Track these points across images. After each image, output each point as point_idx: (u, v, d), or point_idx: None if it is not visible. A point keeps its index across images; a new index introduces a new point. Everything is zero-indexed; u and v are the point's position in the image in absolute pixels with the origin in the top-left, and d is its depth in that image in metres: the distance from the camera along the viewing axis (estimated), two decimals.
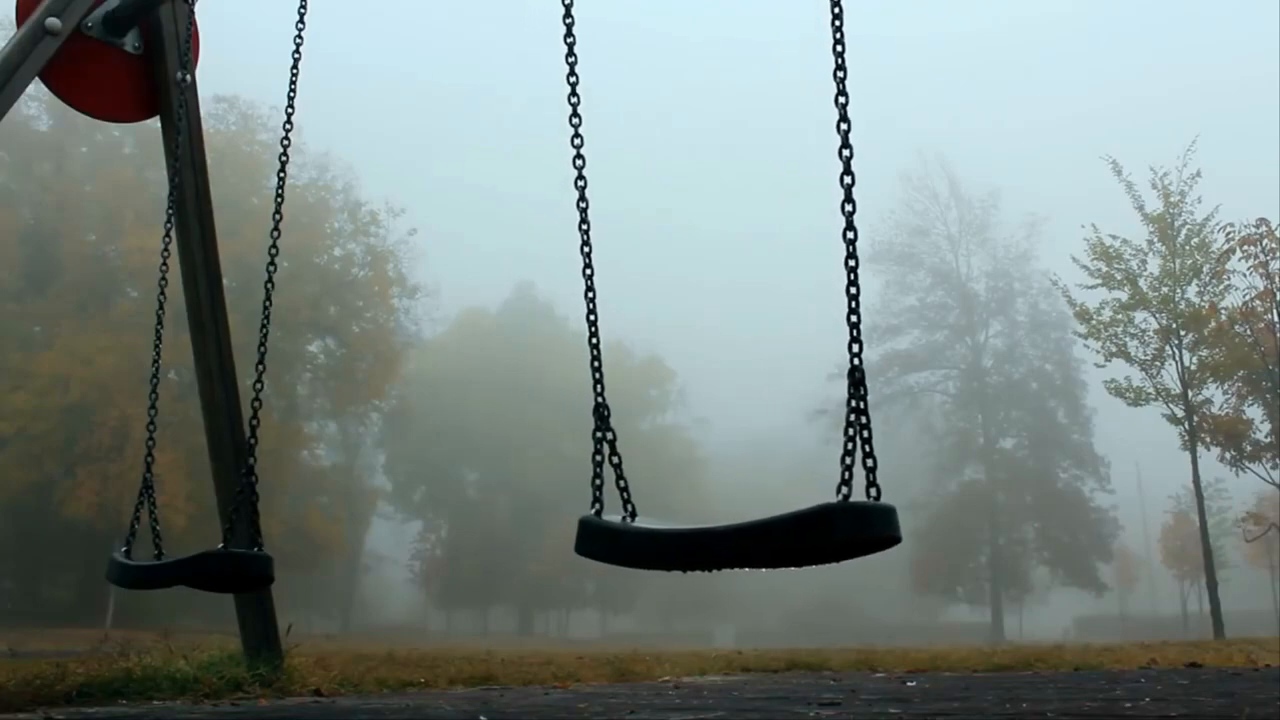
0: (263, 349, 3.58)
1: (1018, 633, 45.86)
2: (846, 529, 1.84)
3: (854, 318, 1.98)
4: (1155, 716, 2.88)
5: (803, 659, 7.63)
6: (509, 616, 58.62)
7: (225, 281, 4.71)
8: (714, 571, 2.11)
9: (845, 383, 1.98)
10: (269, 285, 3.63)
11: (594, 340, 2.47)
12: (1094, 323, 22.57)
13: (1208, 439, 21.65)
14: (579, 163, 2.54)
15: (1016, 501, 47.62)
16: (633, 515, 2.21)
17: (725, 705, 3.62)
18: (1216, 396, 22.03)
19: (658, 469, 53.36)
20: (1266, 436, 21.78)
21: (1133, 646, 11.25)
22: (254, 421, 3.50)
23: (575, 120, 2.56)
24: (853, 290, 1.99)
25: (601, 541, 2.20)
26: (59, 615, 28.40)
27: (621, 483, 2.28)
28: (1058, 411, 48.40)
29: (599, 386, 2.39)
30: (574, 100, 2.57)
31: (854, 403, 1.94)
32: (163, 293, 4.12)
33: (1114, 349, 22.17)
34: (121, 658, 4.58)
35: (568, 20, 2.60)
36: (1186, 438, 21.48)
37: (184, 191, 4.49)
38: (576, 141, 2.55)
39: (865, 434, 1.92)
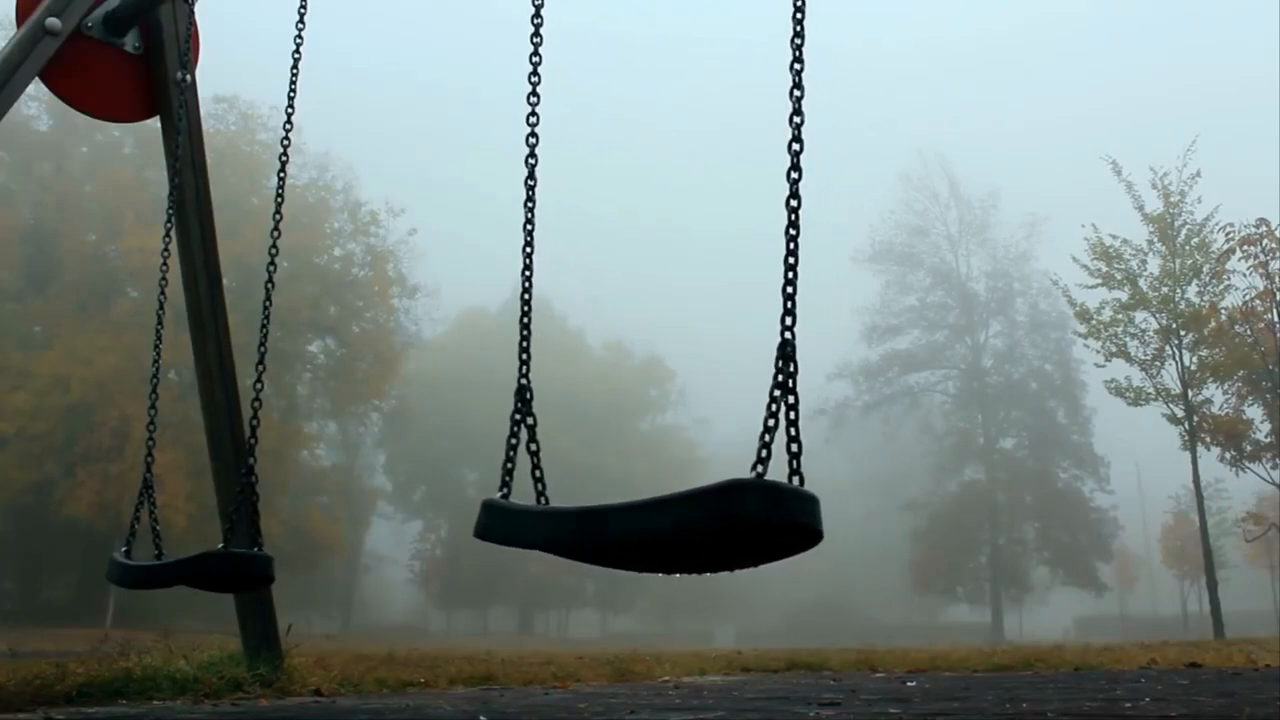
0: (263, 349, 3.58)
1: (1018, 633, 45.86)
2: (758, 507, 1.69)
3: (789, 289, 1.91)
4: (1155, 716, 2.88)
5: (803, 659, 7.63)
6: (509, 616, 58.62)
7: (225, 281, 4.71)
8: (644, 573, 2.04)
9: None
10: (269, 285, 3.64)
11: (525, 320, 2.43)
12: (1094, 323, 22.57)
13: (1208, 439, 21.65)
14: (532, 140, 2.54)
15: (1016, 501, 47.62)
16: (545, 504, 2.14)
17: (725, 705, 3.62)
18: (1216, 396, 22.06)
19: (657, 469, 53.41)
20: (1266, 436, 21.77)
21: (1133, 646, 11.25)
22: (254, 421, 3.50)
23: (533, 99, 2.56)
24: (790, 260, 1.93)
25: (500, 523, 2.09)
26: (59, 615, 28.40)
27: (537, 472, 2.22)
28: (1058, 411, 48.42)
29: (524, 368, 2.35)
30: (534, 79, 2.57)
31: (780, 378, 1.83)
32: (163, 293, 4.12)
33: (1114, 349, 22.17)
34: (121, 658, 4.58)
35: (536, 21, 2.61)
36: (1186, 438, 21.48)
37: (184, 192, 4.49)
38: (532, 120, 2.55)
39: (792, 415, 1.82)
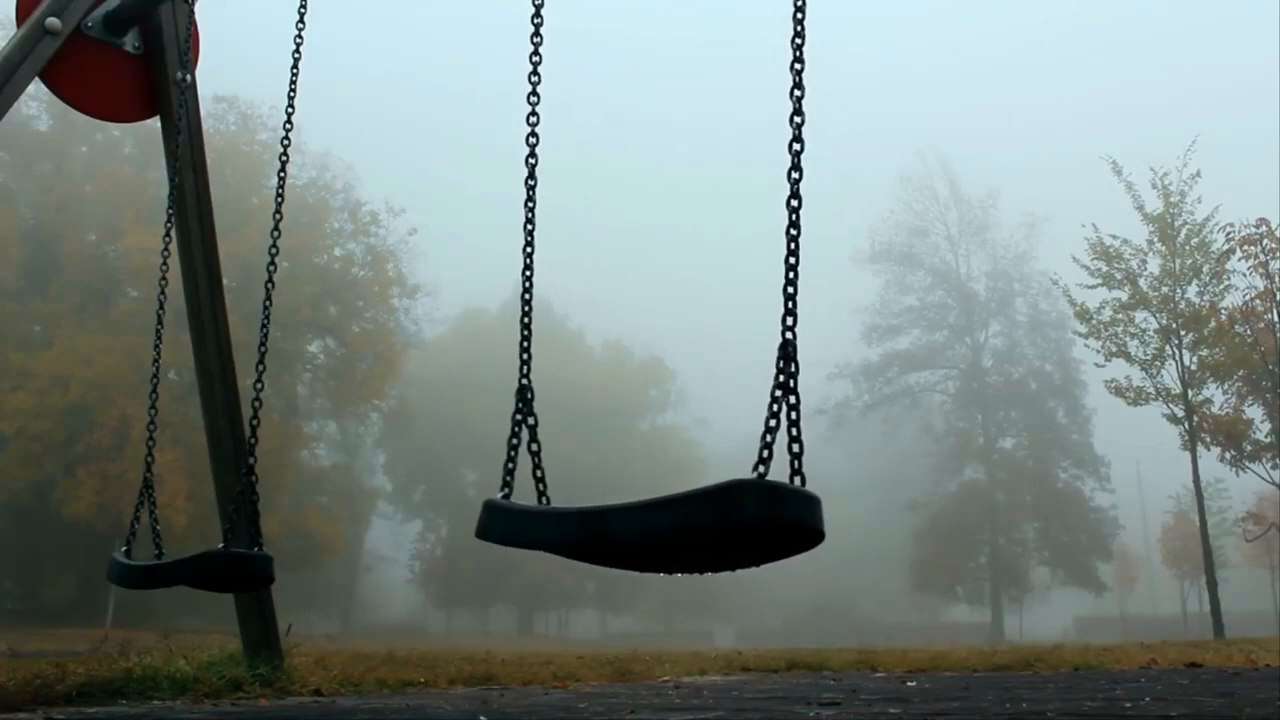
0: (263, 349, 3.58)
1: (1018, 633, 45.85)
2: (758, 508, 1.67)
3: (790, 289, 1.90)
4: (1155, 716, 2.88)
5: (803, 659, 7.63)
6: (509, 616, 58.61)
7: (225, 281, 4.70)
8: (645, 573, 2.04)
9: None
10: (269, 285, 3.64)
11: (526, 320, 2.44)
12: (1094, 322, 22.57)
13: (1208, 439, 21.64)
14: (532, 140, 2.53)
15: (1016, 501, 47.61)
16: (546, 504, 2.13)
17: (725, 705, 3.62)
18: (1216, 396, 22.05)
19: (656, 468, 53.40)
20: (1266, 436, 21.77)
21: (1133, 646, 11.25)
22: (254, 421, 3.50)
23: (533, 99, 2.56)
24: (791, 260, 1.92)
25: (501, 523, 2.08)
26: (59, 615, 28.39)
27: (538, 472, 2.22)
28: (1057, 411, 48.40)
29: (525, 368, 2.34)
30: (534, 79, 2.57)
31: (781, 378, 1.82)
32: (163, 293, 4.12)
33: (1114, 349, 22.17)
34: (121, 658, 4.59)
35: (536, 21, 2.61)
36: (1186, 438, 21.47)
37: (184, 191, 4.49)
38: (532, 120, 2.55)
39: (793, 415, 1.81)
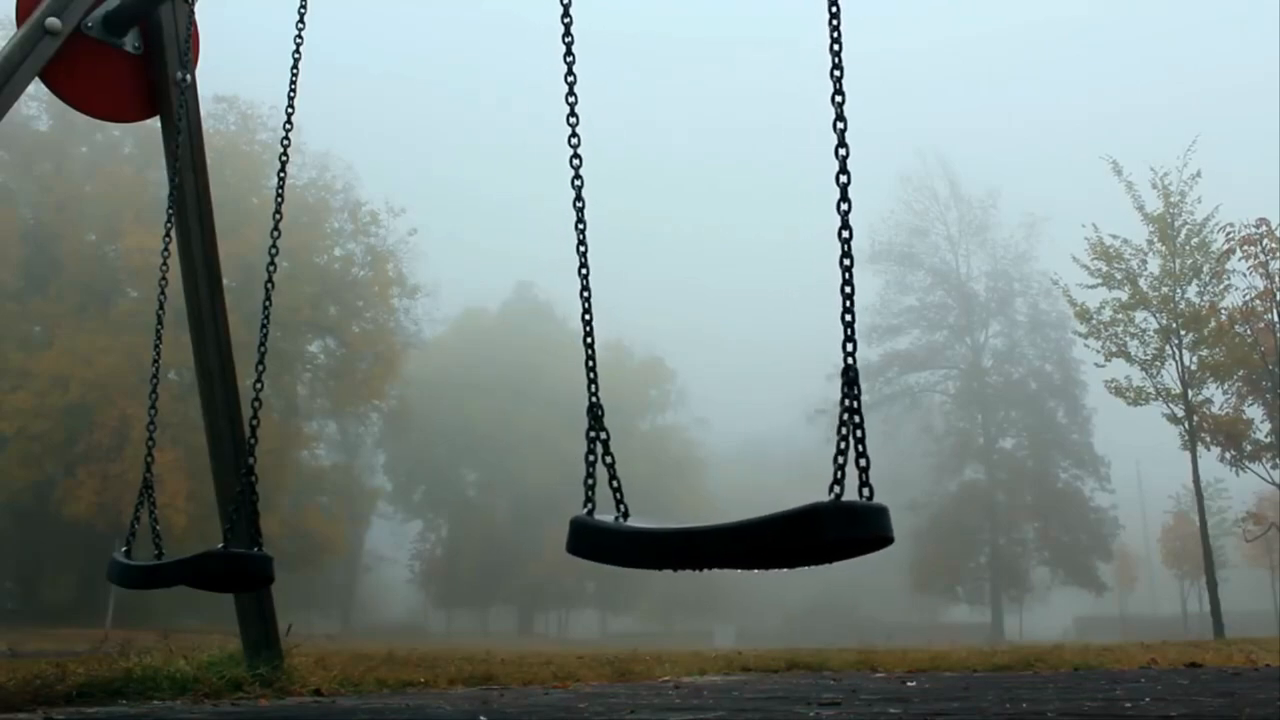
0: (263, 349, 3.58)
1: (1017, 633, 45.85)
2: (837, 529, 1.84)
3: (848, 316, 2.02)
4: (1155, 716, 2.88)
5: (803, 659, 7.63)
6: (509, 616, 58.61)
7: (225, 281, 4.70)
8: (708, 571, 2.11)
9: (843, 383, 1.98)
10: (269, 285, 3.63)
11: (589, 340, 2.48)
12: (1094, 322, 22.58)
13: (1208, 439, 21.65)
14: (575, 163, 2.56)
15: (1016, 501, 47.60)
16: (625, 515, 2.22)
17: (725, 705, 3.62)
18: (1216, 396, 22.06)
19: (657, 469, 53.29)
20: (1266, 436, 21.78)
21: (1133, 646, 11.25)
22: (254, 421, 3.50)
23: (572, 119, 2.58)
24: (847, 290, 2.02)
25: (592, 540, 2.21)
26: (59, 615, 28.39)
27: (614, 483, 2.29)
28: (1057, 411, 48.39)
29: (593, 386, 2.41)
30: (571, 100, 2.59)
31: (847, 401, 1.95)
32: (163, 293, 4.12)
33: (1114, 349, 22.18)
34: (121, 658, 4.59)
35: (566, 20, 2.62)
36: (1186, 438, 21.48)
37: (184, 191, 4.49)
38: (574, 141, 2.57)
39: (859, 434, 1.94)
